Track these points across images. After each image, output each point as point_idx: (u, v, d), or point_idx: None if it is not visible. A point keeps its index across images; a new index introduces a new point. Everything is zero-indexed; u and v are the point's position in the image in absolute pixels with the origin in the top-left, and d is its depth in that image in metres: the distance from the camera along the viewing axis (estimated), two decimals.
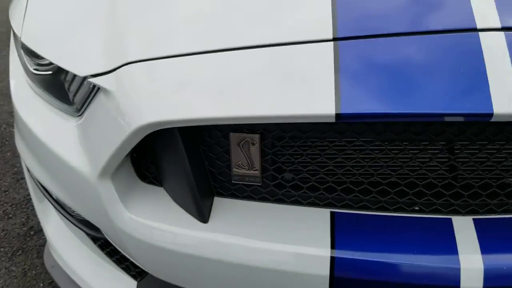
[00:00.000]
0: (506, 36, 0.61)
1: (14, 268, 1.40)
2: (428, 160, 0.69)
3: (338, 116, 0.59)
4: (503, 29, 0.61)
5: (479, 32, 0.61)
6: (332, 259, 0.68)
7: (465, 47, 0.60)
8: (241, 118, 0.63)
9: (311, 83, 0.62)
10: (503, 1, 0.64)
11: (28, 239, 1.52)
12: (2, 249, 1.48)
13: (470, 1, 0.64)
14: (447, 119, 0.59)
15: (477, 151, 0.67)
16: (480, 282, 0.65)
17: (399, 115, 0.59)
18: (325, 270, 0.68)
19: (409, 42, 0.63)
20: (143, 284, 0.95)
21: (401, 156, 0.69)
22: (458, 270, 0.65)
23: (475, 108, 0.57)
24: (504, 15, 0.62)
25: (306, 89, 0.62)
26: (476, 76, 0.58)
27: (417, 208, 0.72)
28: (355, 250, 0.69)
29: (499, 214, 0.71)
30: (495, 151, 0.67)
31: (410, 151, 0.69)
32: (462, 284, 0.65)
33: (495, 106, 0.56)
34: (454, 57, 0.60)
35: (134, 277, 0.97)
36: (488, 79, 0.58)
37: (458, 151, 0.68)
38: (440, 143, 0.68)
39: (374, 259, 0.68)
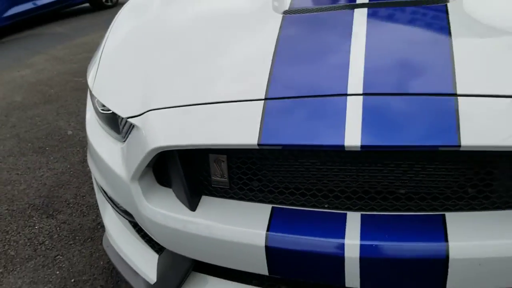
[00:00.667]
0: (364, 99, 0.97)
1: (84, 251, 1.91)
2: (327, 172, 1.06)
3: (259, 145, 1.00)
4: (363, 94, 0.98)
5: (347, 96, 0.99)
6: (267, 235, 1.07)
7: (337, 106, 0.98)
8: (206, 145, 1.05)
9: (248, 126, 1.02)
10: (369, 75, 1.01)
11: (96, 231, 2.03)
12: (77, 237, 2.00)
13: (348, 76, 1.02)
14: (320, 148, 0.96)
15: (355, 169, 1.04)
16: (357, 253, 1.00)
17: (295, 145, 0.97)
18: (262, 242, 1.06)
19: (308, 102, 1.01)
20: (162, 256, 1.38)
21: (311, 169, 1.07)
22: (343, 245, 1.01)
23: (335, 141, 0.94)
24: (367, 85, 0.99)
25: (244, 129, 1.03)
26: (340, 122, 0.96)
27: (326, 205, 1.09)
28: (281, 232, 1.06)
29: (379, 212, 1.06)
30: (367, 169, 1.03)
31: (315, 166, 1.06)
32: (346, 254, 1.00)
33: (347, 141, 0.93)
34: (331, 111, 0.98)
35: (157, 252, 1.40)
36: (346, 123, 0.95)
37: (345, 168, 1.05)
38: (336, 163, 1.05)
39: (293, 236, 1.05)
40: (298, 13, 1.28)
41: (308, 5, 1.32)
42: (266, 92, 1.06)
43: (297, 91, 1.05)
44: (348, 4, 1.26)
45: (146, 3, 1.72)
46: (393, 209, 1.05)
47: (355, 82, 1.01)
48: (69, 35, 6.53)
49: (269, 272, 1.10)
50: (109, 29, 1.65)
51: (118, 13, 1.74)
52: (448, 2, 1.17)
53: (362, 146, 0.93)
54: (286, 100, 1.04)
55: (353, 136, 0.94)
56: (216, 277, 1.29)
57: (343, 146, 0.94)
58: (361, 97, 0.98)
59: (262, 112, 1.03)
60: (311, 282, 1.15)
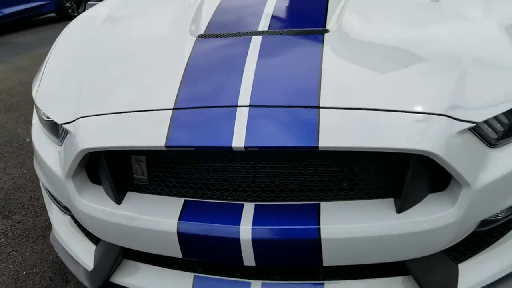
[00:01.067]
0: (250, 109, 1.20)
1: (36, 247, 2.08)
2: (227, 170, 1.28)
3: (166, 146, 1.21)
4: (250, 106, 1.21)
5: (237, 107, 1.21)
6: (178, 223, 1.28)
7: (229, 115, 1.20)
8: (124, 146, 1.25)
9: (158, 131, 1.24)
10: (255, 90, 1.24)
11: (47, 230, 2.20)
12: (30, 236, 2.17)
13: (239, 91, 1.24)
14: (214, 149, 1.18)
15: (251, 168, 1.26)
16: (249, 236, 1.22)
17: (195, 147, 1.18)
18: (174, 229, 1.27)
19: (207, 111, 1.23)
20: (99, 246, 1.57)
21: (214, 168, 1.29)
22: (238, 230, 1.23)
23: (225, 143, 1.16)
24: (253, 98, 1.22)
25: (155, 133, 1.24)
26: (230, 128, 1.17)
27: (228, 198, 1.31)
28: (190, 220, 1.27)
29: (269, 202, 1.28)
30: (258, 167, 1.26)
31: (217, 165, 1.28)
32: (241, 237, 1.22)
33: (234, 143, 1.15)
34: (224, 119, 1.20)
35: (94, 243, 1.59)
36: (234, 129, 1.17)
37: (240, 166, 1.27)
38: (233, 162, 1.27)
39: (199, 224, 1.26)
40: (210, 37, 1.50)
41: (219, 31, 1.55)
42: (174, 103, 1.27)
43: (199, 102, 1.27)
44: (249, 32, 1.50)
45: (88, 23, 1.93)
46: (280, 200, 1.28)
47: (244, 96, 1.24)
48: (34, 45, 6.63)
49: (182, 255, 1.31)
50: (53, 45, 1.84)
51: (63, 31, 1.94)
52: (327, 32, 1.42)
53: (245, 147, 1.15)
54: (190, 110, 1.26)
55: (239, 139, 1.16)
56: (147, 263, 1.49)
57: (231, 148, 1.16)
58: (248, 108, 1.21)
59: (170, 119, 1.24)
60: (219, 263, 1.37)
